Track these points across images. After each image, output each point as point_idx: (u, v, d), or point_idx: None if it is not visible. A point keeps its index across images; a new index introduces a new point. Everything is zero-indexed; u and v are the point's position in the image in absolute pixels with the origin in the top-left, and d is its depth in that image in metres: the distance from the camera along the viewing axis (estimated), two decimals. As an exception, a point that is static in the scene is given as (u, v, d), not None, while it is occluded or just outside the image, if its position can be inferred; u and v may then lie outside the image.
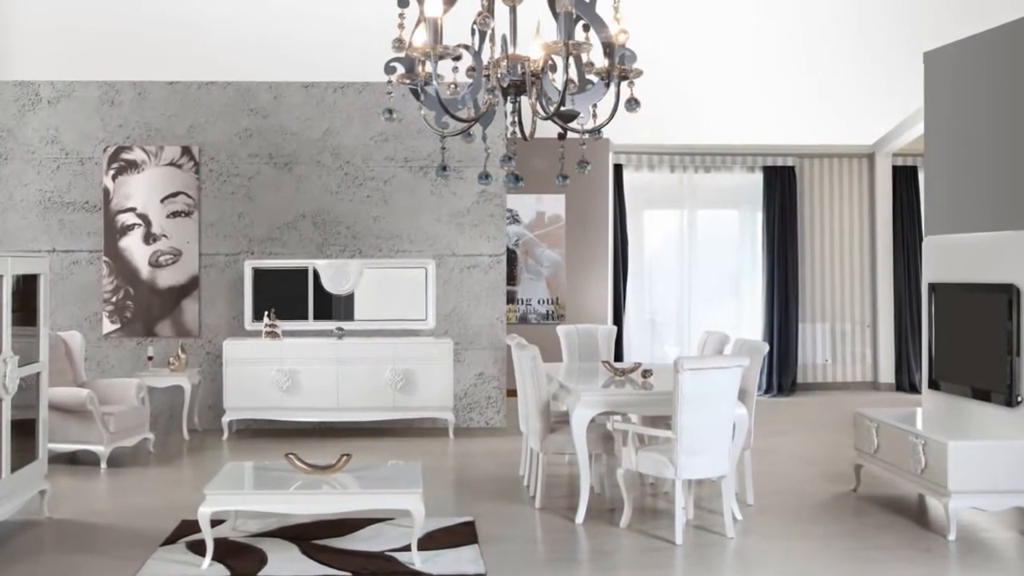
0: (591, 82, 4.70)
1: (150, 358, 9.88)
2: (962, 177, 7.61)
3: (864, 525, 6.54)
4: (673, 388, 6.01)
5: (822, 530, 6.40)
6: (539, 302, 12.77)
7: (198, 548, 5.74)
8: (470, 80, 4.65)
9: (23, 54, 9.85)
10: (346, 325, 10.00)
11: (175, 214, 10.22)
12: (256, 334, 9.95)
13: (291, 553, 5.79)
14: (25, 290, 6.47)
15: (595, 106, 4.70)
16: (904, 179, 13.52)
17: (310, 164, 10.34)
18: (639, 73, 4.54)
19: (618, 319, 12.89)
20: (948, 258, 7.28)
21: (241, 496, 5.77)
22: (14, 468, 6.23)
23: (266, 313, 9.88)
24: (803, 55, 10.59)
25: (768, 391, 12.90)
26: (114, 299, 10.18)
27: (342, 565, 5.58)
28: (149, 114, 10.28)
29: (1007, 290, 6.50)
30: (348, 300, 10.04)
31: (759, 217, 13.35)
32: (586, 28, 4.59)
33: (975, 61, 7.47)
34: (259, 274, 10.01)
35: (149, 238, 10.20)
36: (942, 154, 7.86)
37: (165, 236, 10.21)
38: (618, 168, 13.13)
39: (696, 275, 13.27)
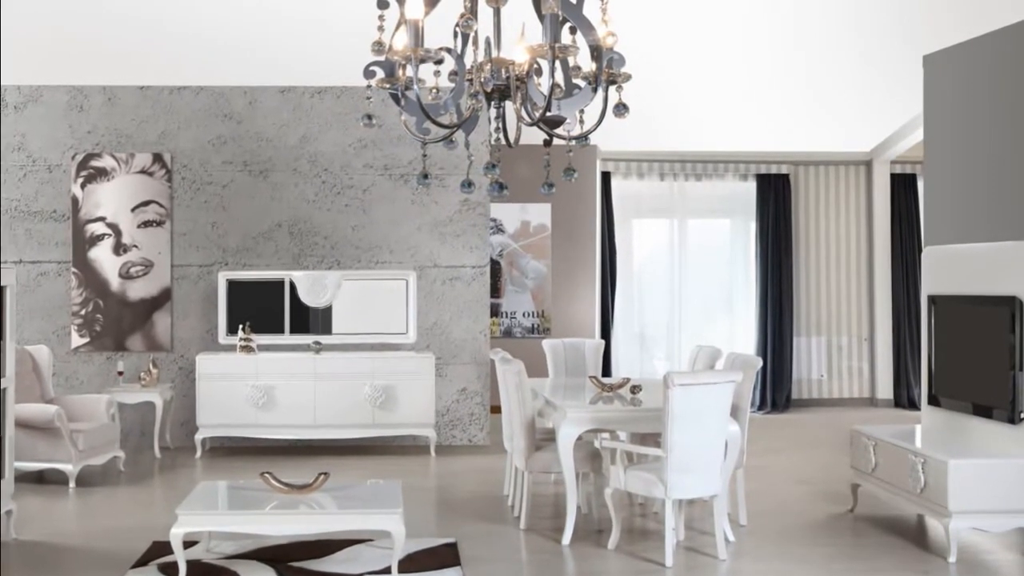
0: (578, 87, 4.62)
1: (120, 373, 9.78)
2: (963, 185, 7.58)
3: (861, 546, 6.51)
4: (663, 404, 5.98)
5: (818, 551, 6.38)
6: (524, 315, 12.69)
7: (170, 571, 5.71)
8: (452, 84, 4.54)
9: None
10: (324, 339, 9.92)
11: (146, 224, 10.10)
12: (230, 348, 9.87)
13: (266, 576, 5.77)
14: (-11, 303, 6.44)
15: (582, 111, 4.60)
16: (903, 187, 13.48)
17: (286, 172, 10.22)
18: (628, 77, 4.45)
19: (606, 333, 12.84)
20: (948, 269, 7.25)
21: (215, 516, 5.75)
22: (-22, 488, 6.21)
23: (241, 327, 9.79)
24: (798, 58, 10.52)
25: (762, 407, 12.81)
26: (83, 312, 10.05)
27: (319, 590, 5.58)
28: (119, 120, 10.15)
29: (1009, 303, 6.48)
30: (326, 313, 9.97)
31: (752, 227, 13.26)
32: (573, 31, 4.52)
33: (976, 65, 7.44)
34: (233, 286, 9.92)
35: (119, 249, 10.07)
36: (942, 161, 7.82)
37: (136, 247, 10.10)
38: (606, 176, 13.06)
39: (687, 287, 13.19)
